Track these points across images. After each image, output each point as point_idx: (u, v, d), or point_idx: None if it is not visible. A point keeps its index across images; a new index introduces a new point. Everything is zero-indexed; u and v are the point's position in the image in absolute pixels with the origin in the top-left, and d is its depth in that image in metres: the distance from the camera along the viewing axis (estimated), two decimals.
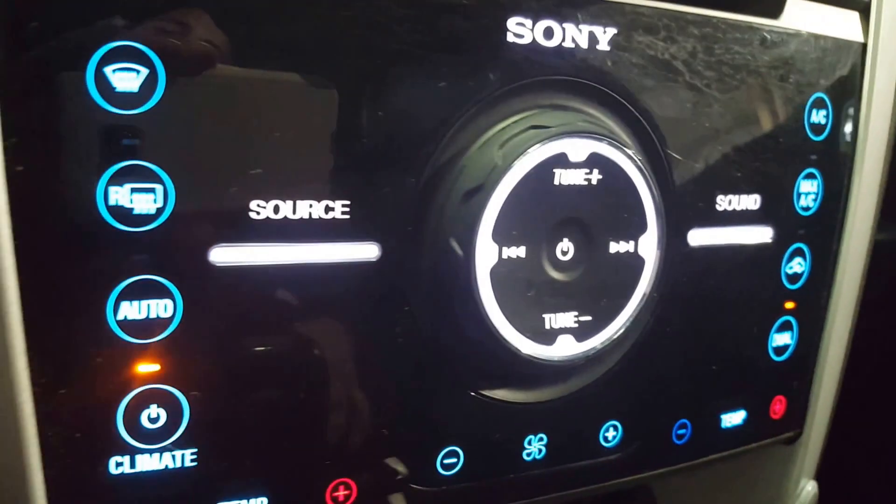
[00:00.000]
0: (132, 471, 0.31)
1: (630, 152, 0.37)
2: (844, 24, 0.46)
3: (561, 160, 0.36)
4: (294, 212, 0.32)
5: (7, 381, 0.29)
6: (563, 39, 0.37)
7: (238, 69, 0.30)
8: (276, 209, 0.32)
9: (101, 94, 0.28)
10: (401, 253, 0.35)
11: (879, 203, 0.50)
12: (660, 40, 0.39)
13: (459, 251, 0.34)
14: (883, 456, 0.71)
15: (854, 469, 0.66)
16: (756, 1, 0.43)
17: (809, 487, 0.52)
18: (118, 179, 0.29)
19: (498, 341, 0.35)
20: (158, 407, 0.31)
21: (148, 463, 0.31)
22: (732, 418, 0.46)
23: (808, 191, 0.46)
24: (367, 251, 0.34)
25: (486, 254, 0.35)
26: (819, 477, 0.53)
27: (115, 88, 0.28)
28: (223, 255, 0.31)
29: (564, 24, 0.36)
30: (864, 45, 0.47)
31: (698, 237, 0.42)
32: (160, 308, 0.30)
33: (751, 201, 0.44)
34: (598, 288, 0.38)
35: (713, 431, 0.46)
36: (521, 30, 0.35)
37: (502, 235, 0.35)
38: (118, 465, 0.31)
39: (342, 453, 0.35)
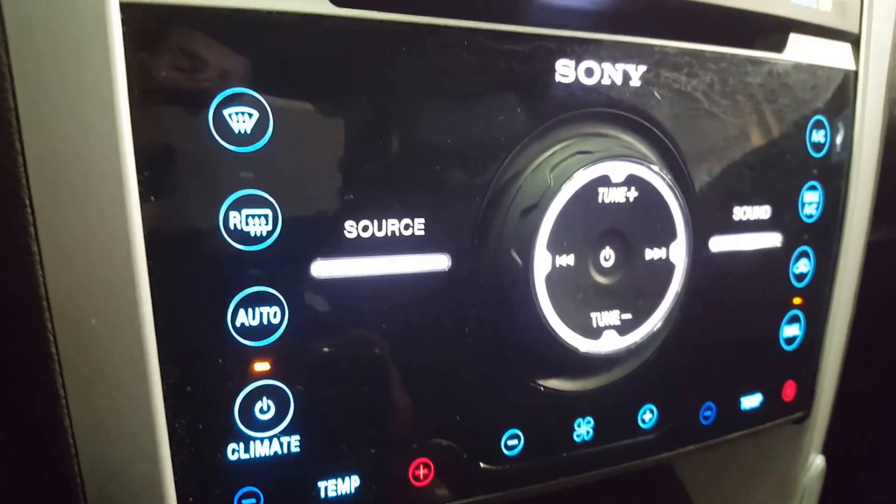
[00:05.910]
0: (246, 456, 0.32)
1: (662, 173, 0.37)
2: (838, 55, 0.47)
3: (604, 181, 0.36)
4: (380, 229, 0.33)
5: (141, 381, 0.29)
6: (602, 77, 0.37)
7: (333, 112, 0.31)
8: (366, 228, 0.32)
9: (219, 134, 0.29)
10: (468, 263, 0.35)
11: (873, 210, 0.50)
12: (683, 75, 0.40)
13: (519, 261, 0.35)
14: (880, 431, 0.70)
15: (856, 444, 0.66)
16: (762, 38, 0.44)
17: (818, 461, 0.52)
18: (236, 206, 0.30)
19: (553, 337, 0.36)
20: (268, 400, 0.32)
21: (260, 449, 0.32)
22: (751, 401, 0.46)
23: (811, 201, 0.46)
24: (439, 262, 0.34)
25: (542, 263, 0.35)
26: (826, 451, 0.53)
27: (232, 129, 0.29)
28: (322, 268, 0.32)
29: (602, 64, 0.37)
30: (856, 73, 0.47)
31: (718, 243, 0.43)
32: (270, 315, 0.31)
33: (762, 211, 0.44)
34: (637, 289, 0.38)
35: (734, 413, 0.46)
36: (566, 70, 0.36)
37: (555, 246, 0.35)
38: (234, 451, 0.31)
39: (421, 437, 0.36)
